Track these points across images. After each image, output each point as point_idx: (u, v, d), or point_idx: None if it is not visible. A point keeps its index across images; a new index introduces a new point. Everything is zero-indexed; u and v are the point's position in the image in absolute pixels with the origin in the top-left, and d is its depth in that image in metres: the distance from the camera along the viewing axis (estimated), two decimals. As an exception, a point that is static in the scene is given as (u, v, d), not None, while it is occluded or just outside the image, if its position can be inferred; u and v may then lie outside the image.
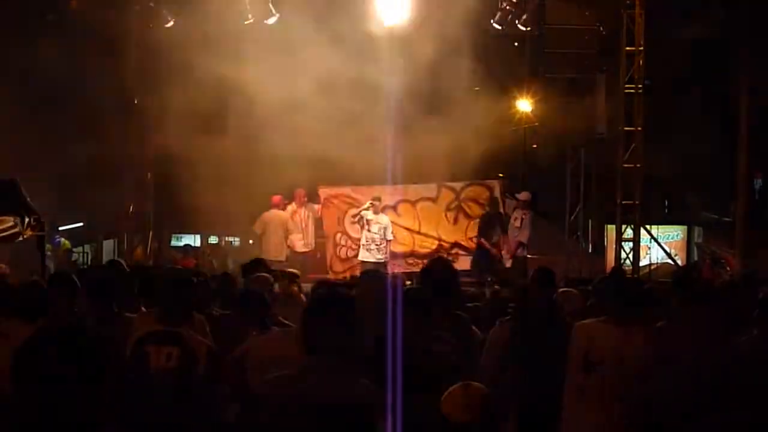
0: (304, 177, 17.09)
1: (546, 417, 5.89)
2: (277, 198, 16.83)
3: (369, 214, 16.01)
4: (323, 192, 17.24)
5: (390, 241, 16.16)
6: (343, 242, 17.12)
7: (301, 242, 16.75)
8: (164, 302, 5.47)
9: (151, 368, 5.12)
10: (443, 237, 17.39)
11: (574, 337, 5.86)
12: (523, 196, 17.13)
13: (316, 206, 17.10)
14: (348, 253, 16.91)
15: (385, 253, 16.06)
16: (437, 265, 6.18)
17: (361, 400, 3.77)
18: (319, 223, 17.22)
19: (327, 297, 4.19)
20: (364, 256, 16.02)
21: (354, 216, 16.53)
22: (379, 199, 16.19)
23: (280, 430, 3.78)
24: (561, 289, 7.79)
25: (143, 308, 6.66)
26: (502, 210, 17.07)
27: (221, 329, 6.22)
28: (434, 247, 17.15)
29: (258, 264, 8.49)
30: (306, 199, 16.95)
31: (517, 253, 16.77)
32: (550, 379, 5.91)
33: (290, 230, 16.55)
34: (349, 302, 4.06)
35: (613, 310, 5.89)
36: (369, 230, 15.98)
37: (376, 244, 15.95)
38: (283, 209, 16.75)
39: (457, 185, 17.49)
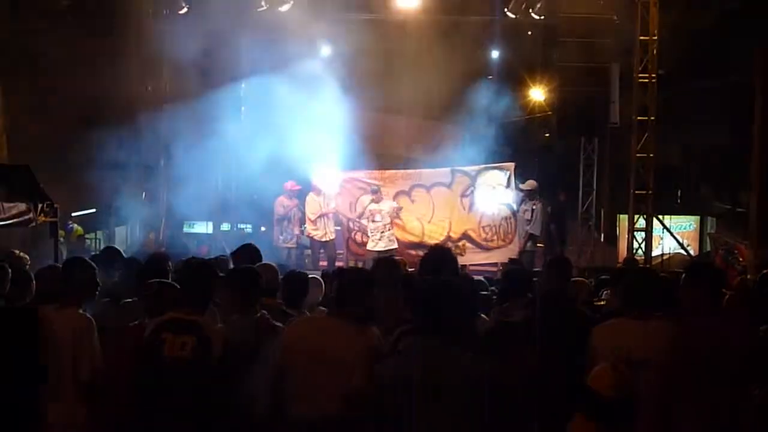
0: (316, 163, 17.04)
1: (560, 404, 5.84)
2: (289, 183, 16.80)
3: (372, 206, 16.00)
4: (338, 176, 16.83)
5: (392, 221, 16.09)
6: (356, 227, 16.87)
7: (320, 231, 16.61)
8: (186, 290, 5.48)
9: (165, 356, 5.15)
10: (454, 227, 16.94)
11: (606, 337, 5.68)
12: (528, 185, 16.56)
13: (332, 194, 16.73)
14: (363, 239, 16.63)
15: (390, 239, 16.02)
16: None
17: (473, 374, 4.22)
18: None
19: (438, 282, 4.60)
20: (370, 246, 16.02)
21: (359, 216, 16.35)
22: (378, 189, 16.15)
23: (402, 406, 4.22)
24: (572, 279, 7.78)
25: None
26: (513, 196, 16.76)
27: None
28: (443, 238, 16.52)
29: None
30: (322, 187, 16.68)
31: (527, 247, 16.41)
32: (563, 367, 5.86)
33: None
34: (457, 287, 4.55)
35: (642, 307, 5.59)
36: (373, 221, 15.95)
37: (381, 232, 15.92)
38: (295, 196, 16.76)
39: (471, 170, 17.05)
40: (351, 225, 16.89)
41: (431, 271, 6.03)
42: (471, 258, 16.33)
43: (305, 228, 17.01)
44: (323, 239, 16.57)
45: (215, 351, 5.11)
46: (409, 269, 8.23)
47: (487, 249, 16.82)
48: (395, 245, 15.99)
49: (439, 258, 6.40)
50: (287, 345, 5.38)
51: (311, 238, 16.73)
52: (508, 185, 16.72)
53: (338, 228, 17.04)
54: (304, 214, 16.74)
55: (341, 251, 17.05)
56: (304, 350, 5.25)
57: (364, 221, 16.36)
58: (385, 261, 7.05)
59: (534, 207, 16.40)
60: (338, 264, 15.53)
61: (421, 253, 15.96)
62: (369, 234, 16.07)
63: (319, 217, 16.47)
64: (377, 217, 15.93)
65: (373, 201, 16.08)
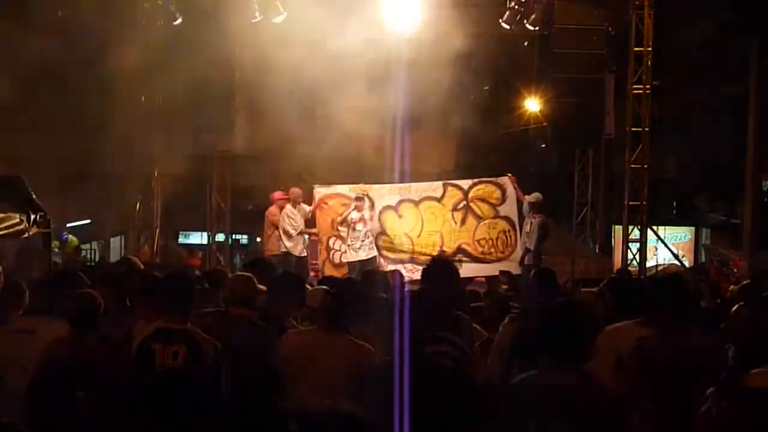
0: (307, 175, 16.99)
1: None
2: (278, 194, 16.68)
3: (354, 214, 15.79)
4: (318, 192, 16.49)
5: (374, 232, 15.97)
6: (336, 247, 16.31)
7: (298, 246, 16.40)
8: (169, 300, 5.46)
9: (157, 366, 5.13)
10: (446, 242, 16.45)
11: (606, 339, 5.67)
12: (532, 197, 16.00)
13: (307, 207, 16.35)
14: (342, 258, 16.16)
15: (370, 247, 15.86)
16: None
17: (605, 404, 4.22)
18: (309, 224, 16.48)
19: (566, 304, 4.64)
20: (350, 256, 15.83)
21: (340, 224, 16.11)
22: (361, 198, 15.97)
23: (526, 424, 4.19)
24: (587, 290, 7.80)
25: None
26: (516, 208, 16.47)
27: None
28: (435, 254, 15.41)
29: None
30: (301, 199, 16.29)
31: (525, 261, 15.65)
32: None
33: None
34: (584, 309, 4.59)
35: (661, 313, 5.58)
36: (354, 229, 15.77)
37: (361, 241, 15.74)
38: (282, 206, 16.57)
39: (465, 183, 16.76)
40: (331, 243, 16.41)
41: (432, 283, 6.01)
42: (467, 272, 15.59)
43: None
44: (300, 255, 16.35)
45: (206, 358, 5.10)
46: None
47: (485, 262, 16.48)
48: (375, 252, 15.84)
49: (441, 269, 6.38)
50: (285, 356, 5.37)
51: (287, 253, 16.49)
52: (504, 199, 16.54)
53: (313, 239, 16.71)
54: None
55: (315, 261, 16.73)
56: (303, 362, 5.24)
57: (342, 229, 16.05)
58: (371, 274, 7.09)
59: (533, 220, 15.77)
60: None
61: (411, 268, 15.92)
62: (349, 243, 15.85)
63: (298, 234, 16.25)
64: (359, 226, 15.77)
65: (356, 209, 15.87)
